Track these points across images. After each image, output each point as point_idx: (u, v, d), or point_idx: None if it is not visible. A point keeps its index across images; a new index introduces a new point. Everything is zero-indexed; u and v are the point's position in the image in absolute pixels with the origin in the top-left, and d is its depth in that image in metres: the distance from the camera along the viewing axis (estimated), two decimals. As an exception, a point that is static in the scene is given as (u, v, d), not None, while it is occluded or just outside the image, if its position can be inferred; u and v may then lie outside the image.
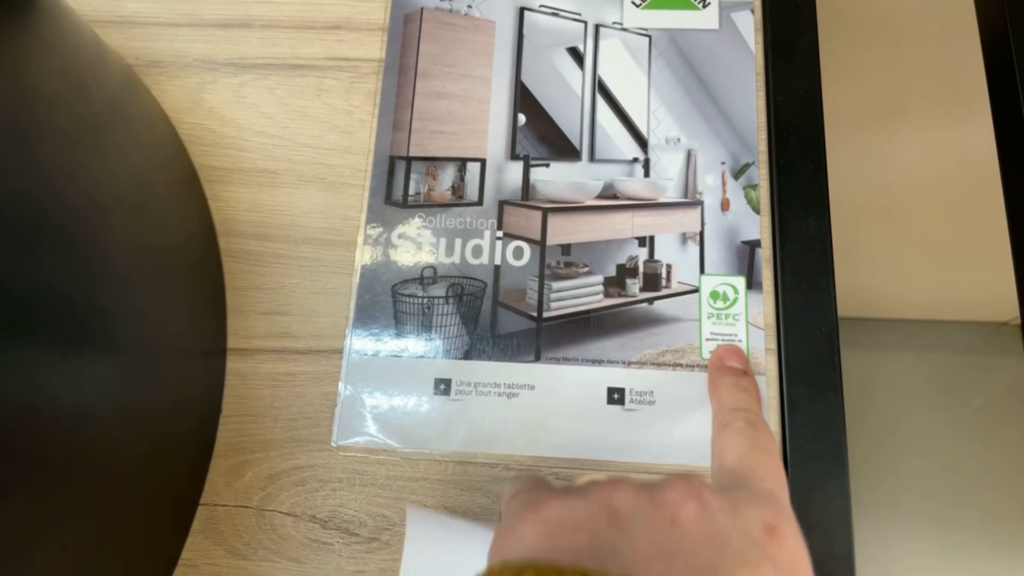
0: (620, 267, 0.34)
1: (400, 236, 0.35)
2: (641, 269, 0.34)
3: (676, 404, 0.32)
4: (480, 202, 0.35)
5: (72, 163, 0.26)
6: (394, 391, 0.32)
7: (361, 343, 0.33)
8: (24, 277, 0.23)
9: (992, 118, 0.39)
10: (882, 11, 0.49)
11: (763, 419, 0.28)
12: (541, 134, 0.36)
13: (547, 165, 0.36)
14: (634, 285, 0.34)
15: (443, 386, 0.33)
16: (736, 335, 0.33)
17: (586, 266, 0.34)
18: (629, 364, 0.32)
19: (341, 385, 0.33)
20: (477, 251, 0.34)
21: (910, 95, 0.56)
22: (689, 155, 0.35)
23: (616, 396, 0.32)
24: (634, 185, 0.35)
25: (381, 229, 0.35)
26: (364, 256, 0.34)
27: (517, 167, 0.36)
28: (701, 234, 0.34)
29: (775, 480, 0.25)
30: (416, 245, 0.35)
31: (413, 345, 0.33)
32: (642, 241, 0.34)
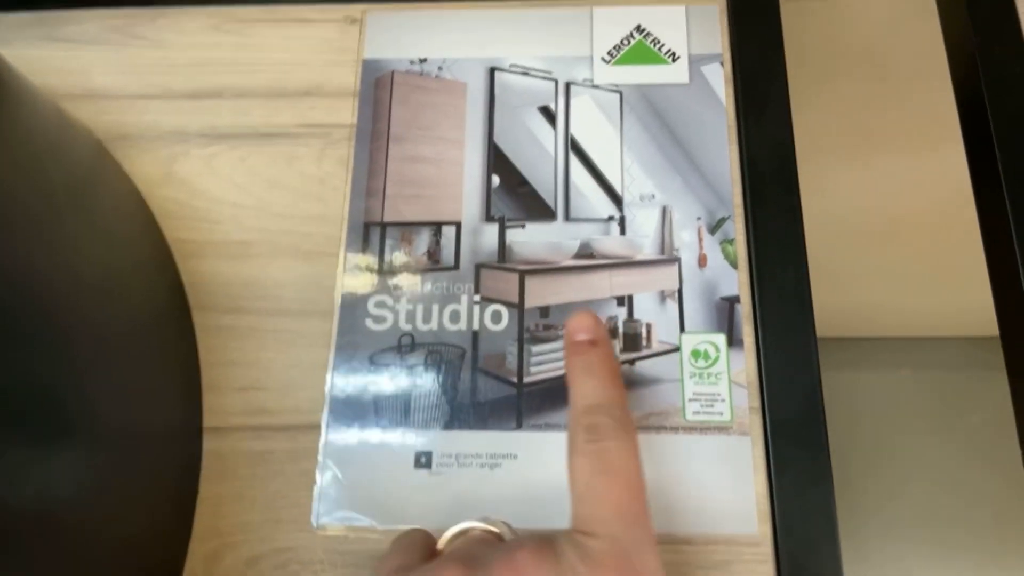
0: (600, 328, 0.34)
1: (376, 304, 0.34)
2: (621, 330, 0.34)
3: (661, 468, 0.31)
4: (456, 266, 0.35)
5: (35, 247, 0.26)
6: (374, 466, 0.32)
7: (339, 418, 0.33)
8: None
9: (964, 147, 0.39)
10: (859, 45, 0.49)
11: (613, 417, 0.24)
12: (516, 195, 0.36)
13: (523, 226, 0.35)
14: (615, 346, 0.33)
15: (424, 459, 0.32)
16: (719, 394, 0.32)
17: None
18: (612, 428, 0.32)
19: (319, 463, 0.32)
20: (455, 317, 0.34)
21: (896, 122, 0.56)
22: (664, 211, 0.35)
23: (600, 462, 0.31)
24: (610, 244, 0.35)
25: (356, 298, 0.34)
26: (339, 326, 0.34)
27: (493, 229, 0.35)
28: (680, 291, 0.34)
29: (620, 522, 0.22)
30: (393, 313, 0.34)
31: (392, 417, 0.33)
32: (620, 300, 0.34)
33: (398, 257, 0.35)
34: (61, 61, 0.40)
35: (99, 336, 0.28)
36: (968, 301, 0.43)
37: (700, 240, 0.35)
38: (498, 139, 0.37)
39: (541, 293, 0.34)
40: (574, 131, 0.37)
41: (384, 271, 0.35)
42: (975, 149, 0.39)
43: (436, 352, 0.34)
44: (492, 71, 0.38)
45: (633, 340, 0.33)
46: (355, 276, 0.35)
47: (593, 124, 0.37)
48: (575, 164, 0.36)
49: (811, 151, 0.54)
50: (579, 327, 0.27)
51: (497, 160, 0.36)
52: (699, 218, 0.35)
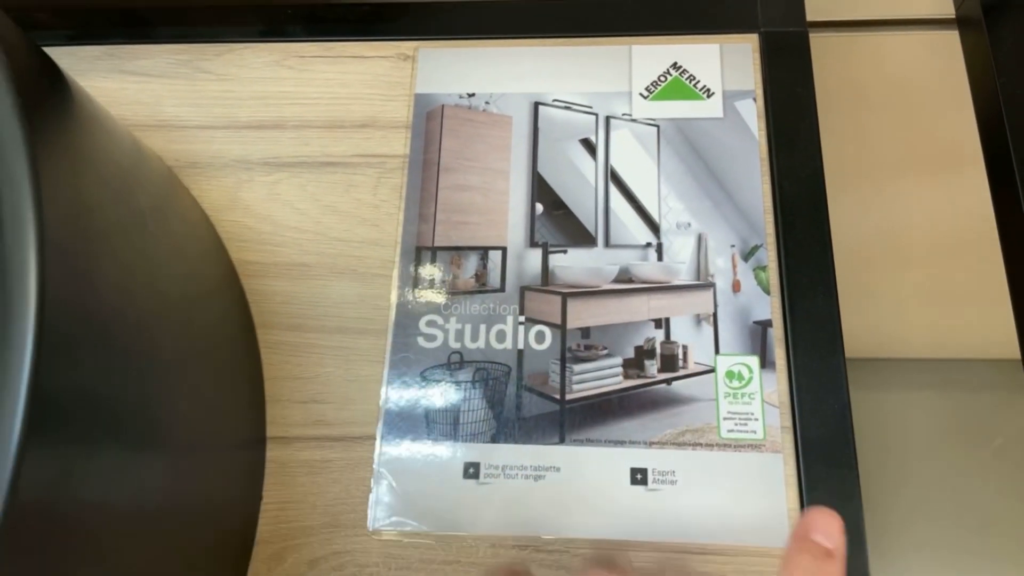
0: (638, 349, 0.36)
1: (427, 323, 0.37)
2: (658, 350, 0.35)
3: (697, 483, 0.33)
4: (502, 289, 0.37)
5: (130, 264, 0.28)
6: (426, 475, 0.34)
7: (393, 429, 0.35)
8: (81, 383, 0.25)
9: (987, 174, 0.41)
10: (885, 77, 0.51)
11: None
12: (558, 222, 0.38)
13: (565, 251, 0.38)
14: (652, 366, 0.35)
15: (472, 470, 0.34)
16: (752, 413, 0.34)
17: (605, 348, 0.36)
18: (650, 444, 0.34)
19: (375, 471, 0.34)
20: (501, 336, 0.36)
21: (922, 149, 0.58)
22: (700, 239, 0.37)
23: (639, 476, 0.33)
24: (648, 269, 0.37)
25: (410, 317, 0.37)
26: (393, 344, 0.36)
27: (536, 254, 0.38)
28: (715, 315, 0.36)
29: None
30: (443, 332, 0.36)
31: (442, 429, 0.35)
32: (658, 323, 0.36)
33: (448, 279, 0.37)
34: (132, 93, 0.43)
35: (179, 350, 0.30)
36: (993, 324, 0.44)
37: (734, 267, 0.36)
38: (542, 169, 0.39)
39: (582, 315, 0.36)
40: (614, 162, 0.39)
41: (435, 292, 0.37)
42: (997, 177, 0.40)
43: (483, 369, 0.36)
44: (536, 105, 0.40)
45: (670, 361, 0.35)
46: (407, 297, 0.37)
47: (632, 156, 0.39)
48: (614, 193, 0.38)
49: (842, 176, 0.55)
50: (819, 527, 0.24)
51: (541, 189, 0.39)
52: (733, 246, 0.37)
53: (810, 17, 0.41)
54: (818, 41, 0.42)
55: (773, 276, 0.36)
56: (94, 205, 0.27)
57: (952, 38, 0.44)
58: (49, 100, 0.28)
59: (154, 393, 0.29)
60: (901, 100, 0.51)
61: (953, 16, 0.44)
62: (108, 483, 0.26)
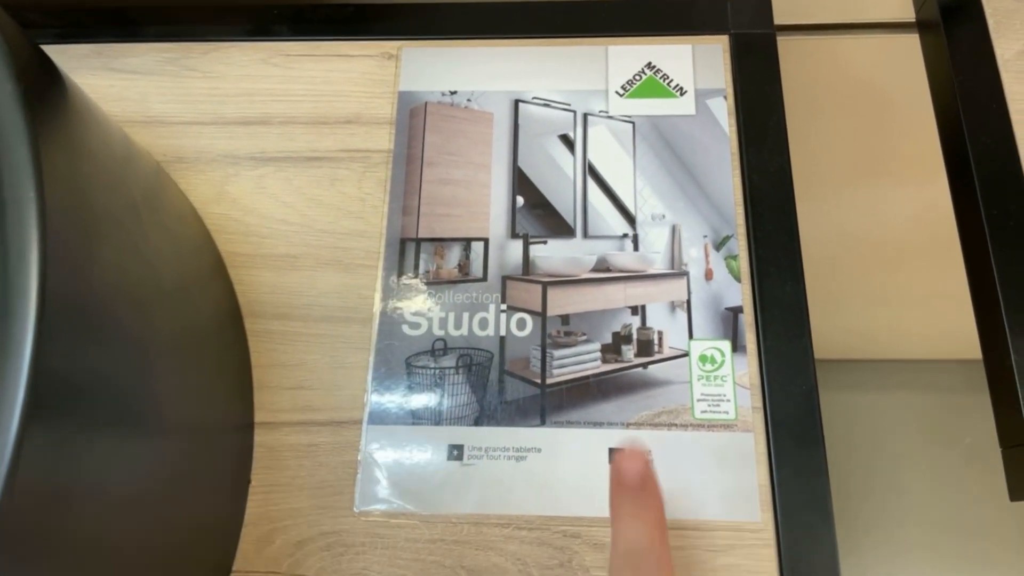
0: (615, 335, 0.37)
1: (412, 312, 0.38)
2: (635, 336, 0.37)
3: (673, 462, 0.34)
4: (484, 278, 0.38)
5: (125, 250, 0.29)
6: (411, 458, 0.35)
7: (378, 413, 0.36)
8: (80, 365, 0.25)
9: (947, 176, 0.42)
10: (852, 80, 0.53)
11: (657, 563, 0.25)
12: (538, 214, 0.39)
13: (545, 242, 0.39)
14: (629, 351, 0.37)
15: (456, 452, 0.35)
16: (725, 395, 0.35)
17: (584, 335, 0.37)
18: (628, 425, 0.35)
19: (361, 454, 0.35)
20: (483, 323, 0.37)
21: (891, 151, 0.60)
22: (674, 230, 0.39)
23: (617, 456, 0.35)
24: (625, 259, 0.38)
25: (394, 306, 0.38)
26: (379, 332, 0.37)
27: (517, 245, 0.39)
28: (688, 302, 0.37)
29: None
30: (427, 320, 0.37)
31: (427, 413, 0.36)
32: (634, 310, 0.37)
33: (432, 269, 0.38)
34: (120, 90, 0.44)
35: (173, 335, 0.31)
36: (960, 324, 0.46)
37: (706, 256, 0.38)
38: (522, 164, 0.41)
39: (562, 303, 0.38)
40: (591, 157, 0.41)
41: (419, 282, 0.38)
42: (955, 176, 0.42)
43: (467, 355, 0.37)
44: (516, 103, 0.42)
45: (646, 346, 0.37)
46: (392, 286, 0.38)
47: (608, 151, 0.41)
48: (592, 187, 0.40)
49: (809, 179, 0.57)
50: (630, 469, 0.27)
51: (521, 183, 0.40)
52: (705, 236, 0.38)
53: (777, 20, 0.43)
54: (785, 43, 0.44)
55: (743, 264, 0.38)
56: (90, 193, 0.28)
57: (913, 40, 0.46)
58: (47, 93, 0.29)
59: (148, 377, 0.30)
60: (865, 101, 0.53)
61: (913, 20, 0.46)
62: (102, 464, 0.27)
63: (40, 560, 0.23)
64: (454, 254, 0.39)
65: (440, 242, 0.39)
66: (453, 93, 0.42)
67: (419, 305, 0.38)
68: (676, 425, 0.35)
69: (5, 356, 0.22)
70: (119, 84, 0.44)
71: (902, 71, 0.48)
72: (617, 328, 0.37)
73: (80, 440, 0.25)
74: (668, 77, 0.42)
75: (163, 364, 0.30)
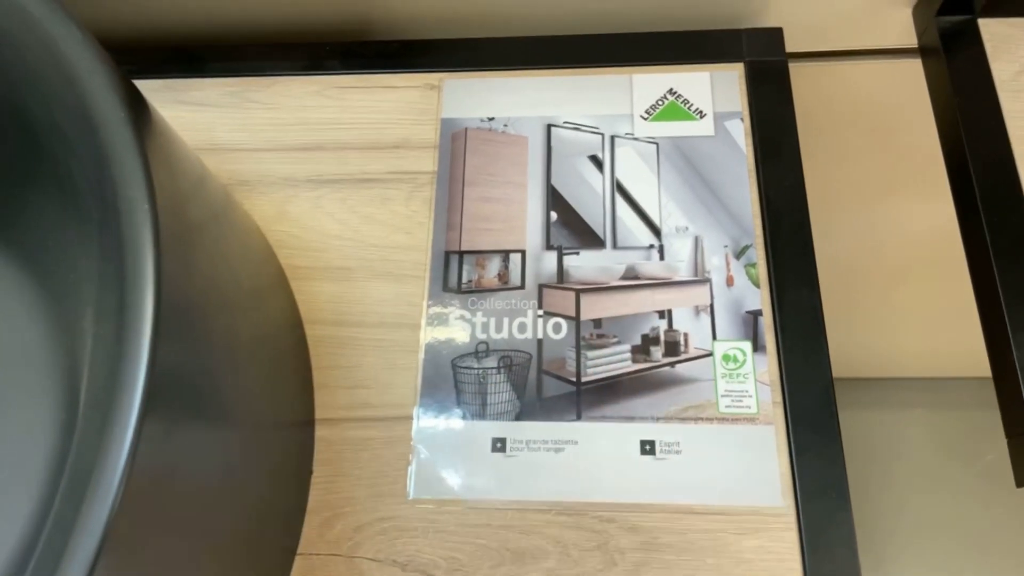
0: (644, 336, 0.40)
1: (457, 318, 0.41)
2: (662, 338, 0.40)
3: (699, 452, 0.37)
4: (523, 286, 0.42)
5: (206, 261, 0.33)
6: (458, 450, 0.38)
7: (428, 410, 0.39)
8: (181, 363, 0.29)
9: (952, 194, 0.45)
10: (857, 103, 0.56)
11: None
12: (571, 228, 0.43)
13: (577, 253, 0.42)
14: (657, 351, 0.40)
15: (499, 444, 0.38)
16: (747, 391, 0.38)
17: (615, 337, 0.40)
18: (657, 420, 0.38)
19: (413, 447, 0.38)
20: (522, 327, 0.41)
21: (905, 170, 0.63)
22: (696, 241, 0.42)
23: (648, 447, 0.38)
24: (651, 267, 0.42)
25: (441, 312, 0.41)
26: (427, 336, 0.41)
27: (552, 256, 0.42)
28: (711, 306, 0.41)
29: None
30: (470, 325, 0.41)
31: (472, 410, 0.39)
32: (661, 314, 0.41)
33: (474, 279, 0.42)
34: (188, 121, 0.48)
35: (250, 337, 0.35)
36: (980, 342, 0.45)
37: (727, 264, 0.41)
38: (555, 182, 0.44)
39: (594, 308, 0.41)
40: (618, 175, 0.44)
41: (463, 290, 0.42)
42: (959, 194, 0.45)
43: (507, 357, 0.40)
44: (549, 127, 0.46)
45: (673, 347, 0.40)
46: (439, 295, 0.42)
47: (634, 170, 0.44)
48: (620, 202, 0.43)
49: (823, 197, 0.60)
50: None
51: (555, 199, 0.44)
52: (726, 246, 0.42)
53: (789, 48, 0.47)
54: (797, 69, 0.47)
55: (762, 271, 0.41)
56: (184, 205, 0.32)
57: (915, 65, 0.49)
58: (143, 119, 0.33)
59: (233, 375, 0.33)
60: (872, 121, 0.57)
61: (915, 45, 0.49)
62: (196, 452, 0.30)
63: (150, 533, 0.27)
64: (494, 265, 0.42)
65: (481, 254, 0.43)
66: (491, 119, 0.46)
67: (463, 311, 0.41)
68: (702, 419, 0.38)
69: (127, 345, 0.25)
70: (187, 116, 0.48)
71: (906, 93, 0.51)
72: (646, 331, 0.40)
73: (180, 431, 0.28)
74: (688, 102, 0.45)
75: (243, 363, 0.34)
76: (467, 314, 0.41)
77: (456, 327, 0.41)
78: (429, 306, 0.42)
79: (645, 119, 0.45)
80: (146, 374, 0.25)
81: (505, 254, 0.43)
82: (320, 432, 0.39)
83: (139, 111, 0.33)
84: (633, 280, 0.42)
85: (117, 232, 0.28)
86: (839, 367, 0.42)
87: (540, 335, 0.40)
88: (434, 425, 0.39)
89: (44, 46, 0.30)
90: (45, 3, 0.30)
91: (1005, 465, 0.42)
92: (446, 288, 0.42)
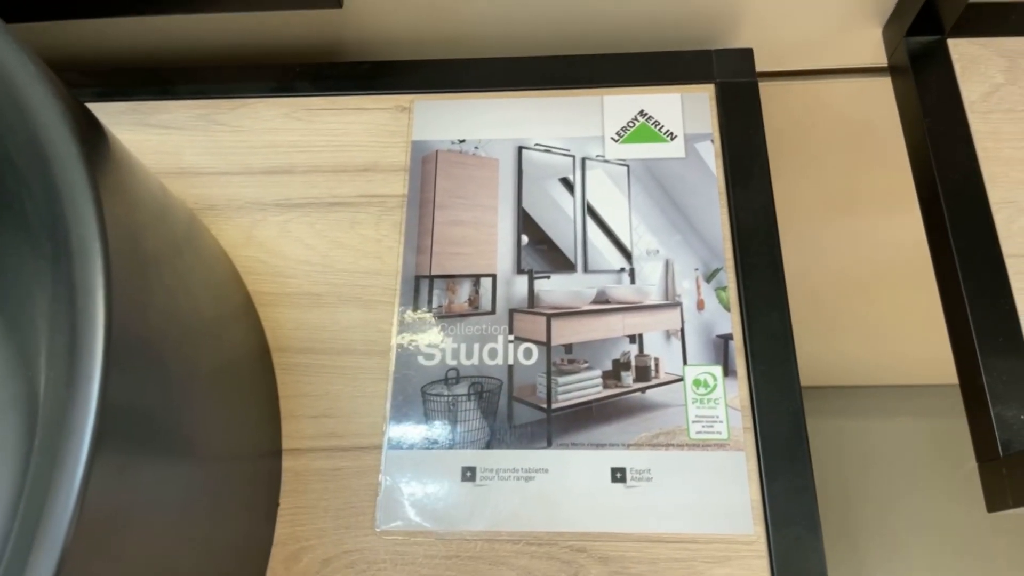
0: (615, 362, 0.40)
1: (427, 344, 0.41)
2: (633, 363, 0.40)
3: (670, 479, 0.37)
4: (493, 311, 0.41)
5: (165, 293, 0.32)
6: (427, 479, 0.38)
7: (397, 439, 0.39)
8: (137, 397, 0.28)
9: (920, 210, 0.45)
10: (828, 121, 0.56)
11: None
12: (542, 251, 0.43)
13: (548, 277, 0.42)
14: (628, 377, 0.40)
15: (469, 473, 0.38)
16: (718, 416, 0.38)
17: (586, 362, 0.40)
18: (628, 446, 0.38)
19: (381, 477, 0.38)
20: (492, 353, 0.40)
21: (872, 185, 0.63)
22: (667, 264, 0.42)
23: (619, 475, 0.37)
24: (622, 291, 0.41)
25: (410, 338, 0.41)
26: (396, 363, 0.40)
27: (523, 280, 0.42)
28: (682, 330, 0.40)
29: None
30: (440, 351, 0.41)
31: (442, 438, 0.39)
32: (632, 338, 0.40)
33: (444, 304, 0.42)
34: (154, 144, 0.47)
35: (211, 368, 0.34)
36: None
37: (698, 288, 0.41)
38: (526, 205, 0.44)
39: (565, 333, 0.41)
40: (589, 198, 0.44)
41: (433, 315, 0.41)
42: (928, 211, 0.45)
43: (477, 383, 0.40)
44: (520, 149, 0.45)
45: (644, 371, 0.40)
46: (408, 320, 0.41)
47: (605, 192, 0.44)
48: (591, 225, 0.43)
49: (792, 214, 0.61)
50: None
51: (526, 222, 0.43)
52: (697, 269, 0.42)
53: (759, 68, 0.47)
54: (767, 88, 0.48)
55: (732, 295, 0.41)
56: (141, 238, 0.32)
57: (885, 84, 0.50)
58: (97, 149, 0.33)
59: (193, 407, 0.33)
60: (844, 139, 0.57)
61: (886, 65, 0.50)
62: (153, 488, 0.29)
63: (105, 573, 0.26)
64: (464, 289, 0.42)
65: (451, 278, 0.42)
66: (462, 141, 0.46)
67: (433, 337, 0.41)
68: (673, 445, 0.38)
69: (75, 390, 0.25)
70: (154, 138, 0.48)
71: (877, 111, 0.51)
72: (617, 356, 0.40)
73: (136, 466, 0.28)
74: (659, 123, 0.45)
75: (205, 395, 0.33)
76: (437, 340, 0.41)
77: (426, 353, 0.40)
78: (398, 332, 0.41)
79: (616, 141, 0.45)
80: (95, 418, 0.24)
81: (476, 278, 0.42)
82: (287, 463, 0.39)
83: (95, 143, 0.32)
84: (604, 304, 0.41)
85: (68, 271, 0.27)
86: (818, 375, 0.42)
87: (511, 361, 0.40)
88: (403, 454, 0.38)
89: (-8, 78, 0.29)
90: (-4, 33, 0.30)
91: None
92: (416, 313, 0.41)
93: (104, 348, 0.26)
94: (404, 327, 0.41)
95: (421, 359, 0.40)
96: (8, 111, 0.30)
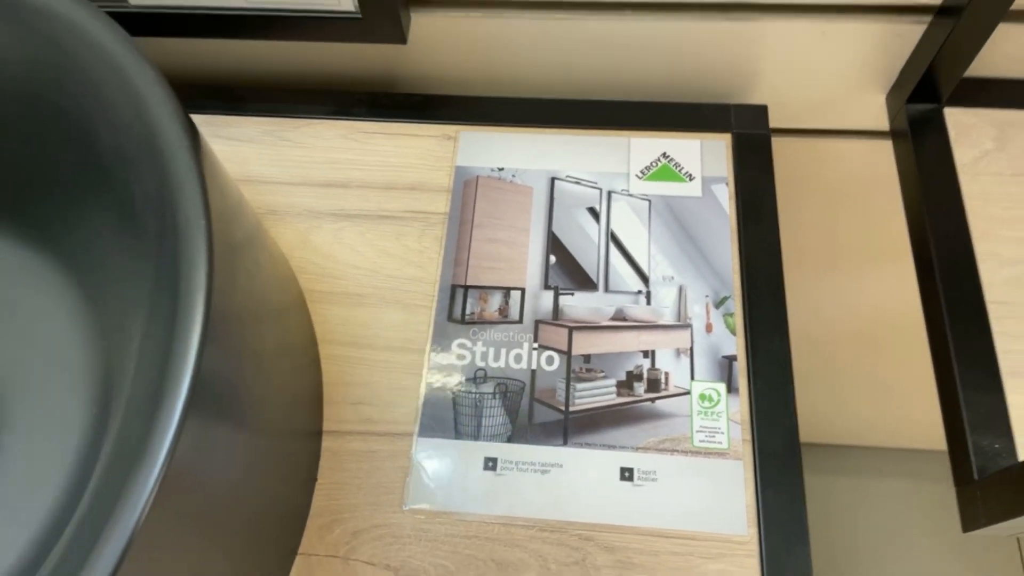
0: (629, 373, 0.44)
1: (458, 346, 0.45)
2: (645, 375, 0.44)
3: (673, 481, 0.41)
4: (520, 321, 0.46)
5: (245, 276, 0.37)
6: (452, 466, 0.42)
7: (427, 429, 0.43)
8: (220, 368, 0.32)
9: (915, 270, 0.50)
10: (832, 178, 0.61)
11: None
12: (568, 271, 0.47)
13: (572, 294, 0.47)
14: (640, 387, 0.44)
15: (491, 463, 0.42)
16: (719, 428, 0.42)
17: (603, 372, 0.44)
18: (636, 449, 0.42)
19: (411, 461, 0.42)
20: (518, 358, 0.45)
21: (878, 240, 0.68)
22: (680, 289, 0.46)
23: (627, 474, 0.41)
24: (639, 311, 0.46)
25: (444, 340, 0.45)
26: (430, 361, 0.45)
27: (549, 295, 0.46)
28: (691, 349, 0.44)
29: None
30: (470, 353, 0.45)
31: (467, 430, 0.43)
32: (646, 353, 0.45)
33: (476, 311, 0.46)
34: (225, 154, 0.53)
35: (272, 350, 0.39)
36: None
37: (707, 312, 0.45)
38: (555, 229, 0.49)
39: (585, 344, 0.45)
40: (613, 226, 0.49)
41: (465, 321, 0.46)
42: (922, 271, 0.49)
43: (503, 384, 0.44)
44: (553, 179, 0.50)
45: (654, 384, 0.44)
46: (443, 324, 0.46)
47: (628, 222, 0.49)
48: (613, 251, 0.48)
49: (798, 266, 0.65)
50: None
51: (554, 245, 0.48)
52: (707, 296, 0.46)
53: (773, 124, 0.52)
54: (779, 143, 0.53)
55: (738, 321, 0.45)
56: (230, 224, 0.36)
57: (887, 146, 0.55)
58: (198, 144, 0.38)
59: (256, 382, 0.37)
60: (846, 194, 0.62)
61: (887, 129, 0.55)
62: (222, 451, 0.33)
63: (175, 521, 0.30)
64: (496, 300, 0.46)
65: (484, 289, 0.47)
66: (501, 169, 0.51)
67: (464, 340, 0.45)
68: (677, 451, 0.42)
69: (175, 352, 0.29)
70: (225, 149, 0.53)
71: (878, 171, 0.56)
72: (631, 368, 0.44)
73: (213, 430, 0.32)
74: (680, 165, 0.50)
75: (268, 374, 0.38)
76: (468, 343, 0.45)
77: (457, 354, 0.45)
78: (434, 334, 0.45)
79: (640, 178, 0.50)
80: (192, 373, 0.28)
81: (506, 291, 0.47)
82: (326, 443, 0.43)
83: (195, 140, 0.38)
84: (621, 321, 0.46)
85: (175, 245, 0.31)
86: (816, 434, 0.44)
87: (534, 366, 0.44)
88: (432, 442, 0.42)
89: (119, 80, 0.35)
90: (122, 43, 0.35)
91: (979, 538, 0.44)
92: (451, 318, 0.46)
93: (204, 311, 0.30)
94: (439, 330, 0.45)
95: (453, 359, 0.45)
96: (126, 109, 0.35)
